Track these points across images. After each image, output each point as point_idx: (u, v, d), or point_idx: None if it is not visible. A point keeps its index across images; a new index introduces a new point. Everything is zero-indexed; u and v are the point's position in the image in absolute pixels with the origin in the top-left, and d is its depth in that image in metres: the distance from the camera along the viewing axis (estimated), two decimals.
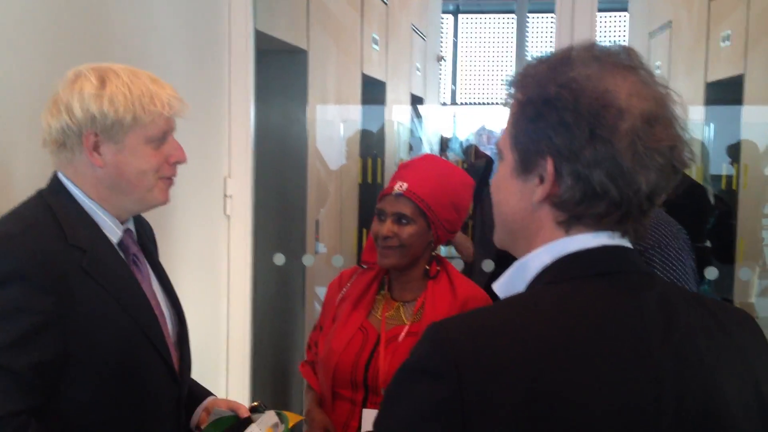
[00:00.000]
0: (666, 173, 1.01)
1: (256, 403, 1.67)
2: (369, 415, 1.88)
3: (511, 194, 1.07)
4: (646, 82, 1.02)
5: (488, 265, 3.22)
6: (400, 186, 1.94)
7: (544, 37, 9.04)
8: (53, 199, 1.45)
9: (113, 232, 1.51)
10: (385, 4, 4.92)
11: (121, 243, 1.53)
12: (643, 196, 1.01)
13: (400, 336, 1.94)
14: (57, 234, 1.40)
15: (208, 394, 1.75)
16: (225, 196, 2.93)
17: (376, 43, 4.76)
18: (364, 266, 2.08)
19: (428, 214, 1.94)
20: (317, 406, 2.01)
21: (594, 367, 0.94)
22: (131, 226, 1.59)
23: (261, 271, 3.11)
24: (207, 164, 2.84)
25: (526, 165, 1.04)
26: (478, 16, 9.73)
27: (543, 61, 1.06)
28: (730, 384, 1.01)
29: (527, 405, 0.90)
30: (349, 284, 2.06)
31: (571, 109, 0.98)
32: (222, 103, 2.89)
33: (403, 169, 2.02)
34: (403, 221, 1.94)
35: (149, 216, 2.46)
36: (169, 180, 1.56)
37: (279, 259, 3.18)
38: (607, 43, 1.08)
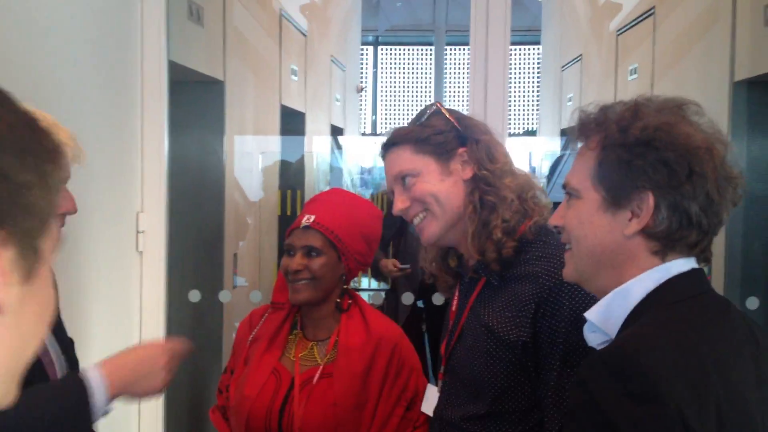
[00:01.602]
0: (732, 206, 1.18)
1: None
2: None
3: (599, 228, 1.18)
4: (705, 129, 1.17)
5: (408, 298, 3.20)
6: (308, 219, 1.91)
7: (460, 69, 9.21)
8: None
9: None
10: (304, 35, 4.91)
11: None
12: (720, 226, 1.17)
13: (315, 378, 1.89)
14: None
15: None
16: (138, 231, 2.83)
17: (295, 74, 4.74)
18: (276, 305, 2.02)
19: (338, 245, 1.91)
20: None
21: (741, 375, 1.08)
22: None
23: (175, 308, 3.00)
24: (118, 199, 2.74)
25: (617, 200, 1.16)
26: (397, 48, 9.84)
27: (614, 108, 1.20)
28: None
29: (718, 415, 1.00)
30: (260, 324, 2.00)
31: (670, 149, 1.11)
32: (134, 136, 2.80)
33: (311, 203, 1.99)
34: (313, 254, 1.90)
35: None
36: None
37: (194, 296, 3.08)
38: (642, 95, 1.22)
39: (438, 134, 1.58)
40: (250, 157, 4.19)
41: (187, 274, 3.29)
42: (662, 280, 1.15)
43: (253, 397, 1.87)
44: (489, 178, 1.56)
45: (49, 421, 1.24)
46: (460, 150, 1.58)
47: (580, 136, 1.23)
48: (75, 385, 1.30)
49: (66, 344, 1.56)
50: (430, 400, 1.68)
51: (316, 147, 5.28)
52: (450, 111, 1.64)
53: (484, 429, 1.53)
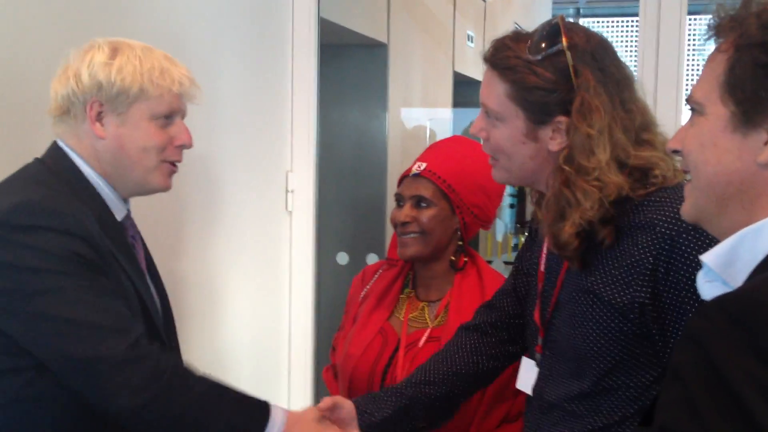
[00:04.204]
0: None
1: None
2: None
3: (725, 152, 0.93)
4: None
5: None
6: (419, 166, 1.77)
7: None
8: (56, 169, 1.39)
9: (118, 209, 1.44)
10: (484, 1, 4.72)
11: (121, 222, 1.45)
12: None
13: (421, 341, 1.75)
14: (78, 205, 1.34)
15: None
16: (287, 191, 2.84)
17: (471, 41, 4.57)
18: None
19: (451, 196, 1.75)
20: None
21: None
22: (129, 205, 1.52)
23: (324, 269, 2.99)
24: (268, 157, 2.76)
25: (750, 117, 0.91)
26: (601, 19, 9.35)
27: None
28: None
29: None
30: (372, 281, 1.90)
31: None
32: (284, 96, 2.80)
33: (426, 151, 1.84)
34: (423, 204, 1.76)
35: (209, 206, 2.41)
36: (173, 166, 1.48)
37: (342, 258, 3.06)
38: None
39: (543, 90, 1.27)
40: (418, 125, 4.10)
41: (337, 236, 3.28)
42: None
43: (357, 356, 1.78)
44: (570, 177, 1.26)
45: (225, 421, 1.34)
46: (560, 118, 1.28)
47: (711, 37, 0.96)
48: (261, 412, 1.38)
49: (159, 283, 1.58)
50: (525, 376, 1.47)
51: None
52: (578, 57, 1.27)
53: (595, 408, 1.31)
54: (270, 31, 2.72)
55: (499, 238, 4.24)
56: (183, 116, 1.48)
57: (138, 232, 1.53)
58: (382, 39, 3.51)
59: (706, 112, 0.95)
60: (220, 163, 2.47)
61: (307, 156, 2.83)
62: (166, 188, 1.49)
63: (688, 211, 1.02)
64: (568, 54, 1.27)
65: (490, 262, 3.22)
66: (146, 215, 2.10)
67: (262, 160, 2.72)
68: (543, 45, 1.29)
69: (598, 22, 9.33)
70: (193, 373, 1.35)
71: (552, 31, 1.29)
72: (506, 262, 3.26)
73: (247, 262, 2.65)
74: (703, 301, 1.14)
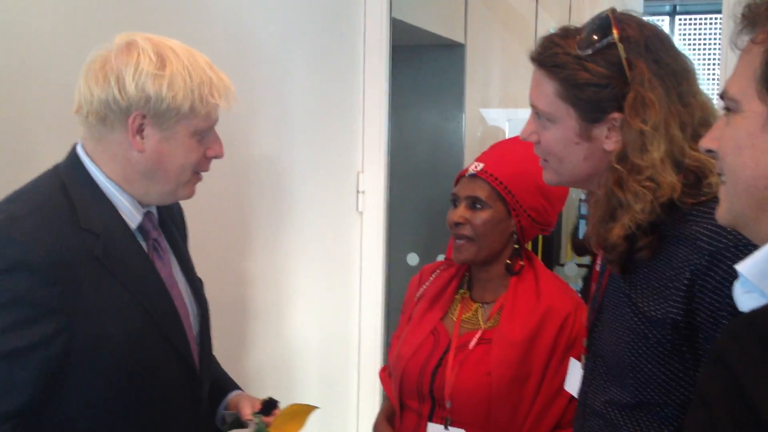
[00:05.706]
0: None
1: (267, 399, 1.54)
2: (434, 431, 1.68)
3: (763, 153, 0.87)
4: None
5: None
6: (476, 166, 1.72)
7: None
8: (68, 177, 1.34)
9: (132, 216, 1.38)
10: None
11: (141, 227, 1.40)
12: None
13: (472, 343, 1.71)
14: (68, 216, 1.29)
15: (234, 387, 1.63)
16: (358, 191, 2.84)
17: None
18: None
19: (507, 198, 1.70)
20: (385, 419, 1.84)
21: None
22: (153, 208, 1.46)
23: (394, 270, 2.98)
24: (339, 158, 2.77)
25: None
26: (695, 16, 9.05)
27: None
28: None
29: None
30: (429, 281, 1.87)
31: None
32: (356, 97, 2.81)
33: (486, 151, 1.80)
34: (477, 206, 1.71)
35: (279, 206, 2.43)
36: (199, 175, 1.43)
37: (413, 259, 3.03)
38: None
39: (596, 86, 1.21)
40: (497, 127, 4.03)
41: (408, 237, 3.26)
42: None
43: (408, 357, 1.76)
44: (623, 176, 1.20)
45: None
46: (615, 114, 1.21)
47: (745, 27, 0.88)
48: None
49: (196, 285, 1.55)
50: (572, 378, 1.42)
51: None
52: (631, 49, 1.19)
53: (632, 420, 1.25)
54: (341, 33, 2.72)
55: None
56: (213, 124, 1.41)
57: (161, 234, 1.47)
58: (459, 39, 3.46)
59: (742, 110, 0.87)
60: (291, 163, 2.49)
61: (379, 157, 2.83)
62: (189, 198, 1.45)
63: (723, 215, 0.94)
64: (620, 46, 1.20)
65: (563, 264, 3.14)
66: (217, 216, 2.15)
67: (333, 161, 2.73)
68: (593, 38, 1.22)
69: (693, 19, 9.02)
70: None
71: (602, 23, 1.23)
72: (579, 265, 3.17)
73: (316, 263, 2.67)
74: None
